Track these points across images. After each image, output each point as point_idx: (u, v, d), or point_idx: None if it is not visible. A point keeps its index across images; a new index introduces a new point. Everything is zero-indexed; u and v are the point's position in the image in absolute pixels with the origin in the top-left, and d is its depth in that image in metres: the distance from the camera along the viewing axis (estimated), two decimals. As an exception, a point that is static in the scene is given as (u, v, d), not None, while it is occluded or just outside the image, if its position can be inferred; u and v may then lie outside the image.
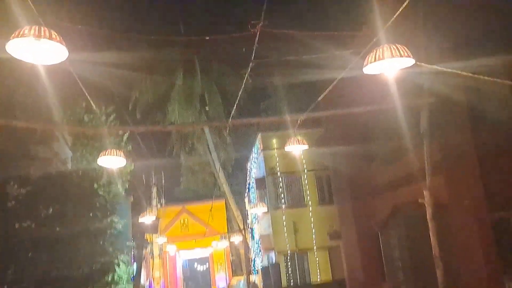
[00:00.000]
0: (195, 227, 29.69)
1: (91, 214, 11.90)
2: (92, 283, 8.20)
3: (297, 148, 7.68)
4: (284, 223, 19.84)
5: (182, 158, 36.95)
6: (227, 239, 25.56)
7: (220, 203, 31.37)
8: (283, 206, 20.09)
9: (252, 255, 25.24)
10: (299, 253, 19.62)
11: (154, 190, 27.51)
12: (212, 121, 27.74)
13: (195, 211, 30.48)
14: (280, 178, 20.38)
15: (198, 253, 37.14)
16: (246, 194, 26.98)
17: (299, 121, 6.33)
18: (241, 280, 24.14)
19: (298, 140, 7.59)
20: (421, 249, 10.53)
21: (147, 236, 24.65)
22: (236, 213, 28.15)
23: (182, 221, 30.80)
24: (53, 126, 5.35)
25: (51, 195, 7.87)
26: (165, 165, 31.56)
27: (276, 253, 19.50)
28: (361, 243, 13.13)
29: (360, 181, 13.16)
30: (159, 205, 28.40)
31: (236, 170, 38.17)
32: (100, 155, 7.97)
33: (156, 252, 26.60)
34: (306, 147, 7.73)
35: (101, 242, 8.95)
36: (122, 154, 8.07)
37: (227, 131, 25.94)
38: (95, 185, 15.87)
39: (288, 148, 7.67)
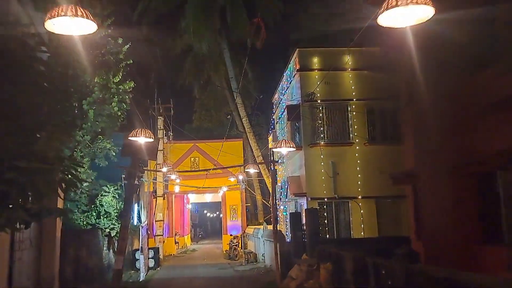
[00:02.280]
0: (207, 167, 25.64)
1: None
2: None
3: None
4: (322, 163, 15.68)
5: (196, 92, 32.67)
6: (243, 171, 21.34)
7: (237, 142, 27.29)
8: (321, 142, 15.84)
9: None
10: (338, 201, 15.60)
11: (161, 120, 23.35)
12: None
13: (207, 149, 26.40)
14: (320, 107, 16.00)
15: (209, 197, 33.62)
16: (270, 131, 22.75)
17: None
18: (259, 229, 20.40)
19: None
20: None
21: (150, 166, 20.79)
22: (257, 152, 24.14)
23: (192, 160, 26.86)
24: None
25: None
26: (175, 96, 27.24)
27: (309, 199, 15.49)
28: (456, 188, 8.90)
29: (462, 97, 8.75)
30: (165, 139, 24.37)
31: (257, 111, 33.85)
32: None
33: (159, 191, 22.84)
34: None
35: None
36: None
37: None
38: (84, 102, 12.18)
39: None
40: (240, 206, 26.15)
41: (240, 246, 22.67)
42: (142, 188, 22.07)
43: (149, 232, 20.56)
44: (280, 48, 32.70)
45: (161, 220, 22.79)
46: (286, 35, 29.80)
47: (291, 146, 9.12)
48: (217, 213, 49.25)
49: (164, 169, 17.80)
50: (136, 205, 19.85)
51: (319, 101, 15.91)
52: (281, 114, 19.17)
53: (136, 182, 12.33)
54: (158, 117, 23.50)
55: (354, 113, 15.92)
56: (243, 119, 24.89)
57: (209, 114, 34.83)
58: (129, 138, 9.34)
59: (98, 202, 14.94)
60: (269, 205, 26.81)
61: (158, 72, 28.04)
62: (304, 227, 13.66)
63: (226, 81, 28.50)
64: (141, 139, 9.35)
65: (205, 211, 52.96)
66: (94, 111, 13.44)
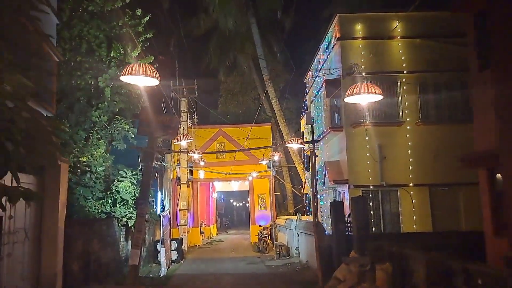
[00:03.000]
0: (234, 153, 23.83)
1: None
2: None
3: None
4: (367, 145, 13.63)
5: (221, 75, 30.83)
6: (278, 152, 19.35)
7: (266, 126, 25.38)
8: (366, 121, 13.78)
9: (308, 190, 19.32)
10: (386, 189, 13.55)
11: (184, 102, 21.65)
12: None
13: (234, 134, 24.60)
14: (365, 81, 13.84)
15: (236, 186, 31.95)
16: (303, 113, 20.73)
17: None
18: (292, 219, 18.52)
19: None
20: None
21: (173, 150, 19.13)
22: (287, 136, 22.17)
23: (218, 145, 25.11)
24: None
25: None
26: (199, 80, 25.42)
27: (352, 186, 13.49)
28: None
29: None
30: (189, 122, 22.67)
31: (287, 94, 31.72)
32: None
33: (183, 178, 21.22)
34: None
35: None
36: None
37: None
38: (99, 79, 11.29)
39: None
40: (268, 194, 24.28)
41: (270, 238, 20.88)
42: (166, 175, 20.56)
43: (171, 222, 19.01)
44: (311, 27, 30.44)
45: (185, 209, 21.23)
46: (318, 13, 27.64)
47: (376, 91, 7.06)
48: (243, 202, 47.71)
49: (183, 143, 15.78)
50: (159, 192, 18.32)
51: (363, 74, 13.81)
52: (318, 92, 17.10)
53: (153, 164, 10.67)
54: (182, 98, 21.84)
55: (404, 87, 13.76)
56: (272, 101, 22.95)
57: (235, 99, 32.96)
58: (122, 78, 7.16)
59: (114, 188, 13.35)
60: (300, 194, 24.93)
61: (182, 52, 26.40)
62: (349, 219, 11.72)
63: (254, 62, 26.62)
64: (140, 80, 6.98)
65: (231, 200, 51.43)
66: (111, 89, 11.80)
